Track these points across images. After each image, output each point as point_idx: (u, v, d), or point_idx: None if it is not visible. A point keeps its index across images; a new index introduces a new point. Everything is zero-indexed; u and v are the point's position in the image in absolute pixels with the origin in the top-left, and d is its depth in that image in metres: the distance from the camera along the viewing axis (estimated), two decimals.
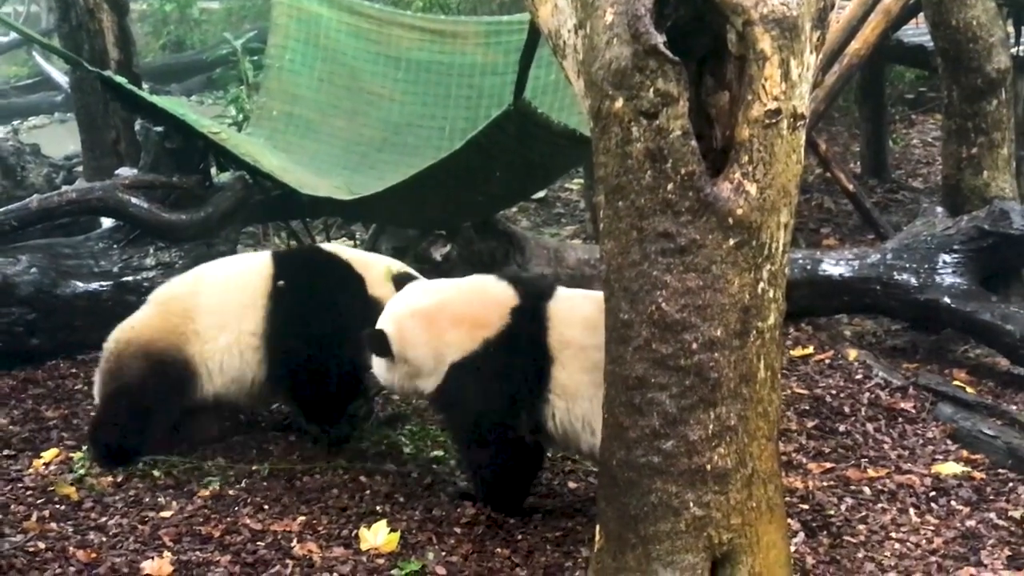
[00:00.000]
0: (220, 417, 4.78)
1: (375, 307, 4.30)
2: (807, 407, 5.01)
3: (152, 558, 3.79)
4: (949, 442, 4.74)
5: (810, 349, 5.59)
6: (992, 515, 4.15)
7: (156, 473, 4.42)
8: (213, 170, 6.09)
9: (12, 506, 4.18)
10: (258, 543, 3.92)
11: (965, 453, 4.63)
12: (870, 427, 4.86)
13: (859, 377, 5.30)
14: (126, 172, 6.06)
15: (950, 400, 5.02)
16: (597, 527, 3.22)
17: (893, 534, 4.02)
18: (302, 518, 4.09)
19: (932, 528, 4.07)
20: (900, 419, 4.93)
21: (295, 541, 3.92)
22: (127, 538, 3.96)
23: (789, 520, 3.74)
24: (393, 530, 3.95)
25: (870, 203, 7.31)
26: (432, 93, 6.83)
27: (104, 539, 3.96)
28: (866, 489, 4.33)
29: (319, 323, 4.56)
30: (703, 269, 2.94)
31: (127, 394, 4.46)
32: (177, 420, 4.56)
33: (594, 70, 2.97)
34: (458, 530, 4.02)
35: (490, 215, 6.13)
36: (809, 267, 5.78)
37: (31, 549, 3.85)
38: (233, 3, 15.09)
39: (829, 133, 9.07)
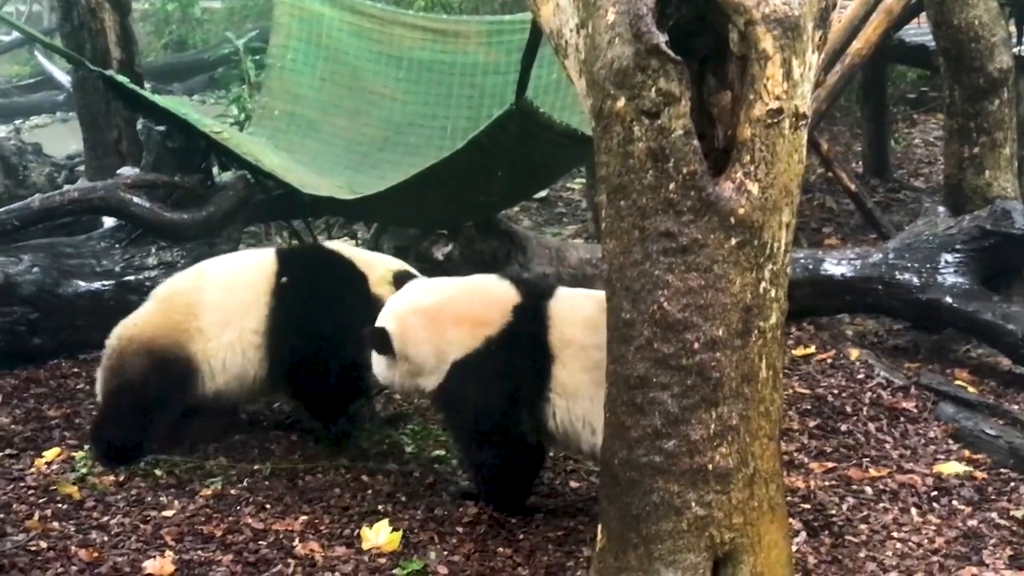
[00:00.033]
0: (222, 416, 4.78)
1: (377, 306, 4.30)
2: (809, 406, 5.00)
3: (154, 557, 3.80)
4: (951, 442, 4.73)
5: (812, 349, 5.58)
6: (994, 515, 4.14)
7: (158, 472, 4.42)
8: (215, 169, 6.09)
9: (14, 505, 4.18)
10: (260, 542, 3.92)
11: (967, 453, 4.63)
12: (872, 427, 4.85)
13: (861, 377, 5.30)
14: (128, 171, 6.07)
15: (952, 400, 5.02)
16: (599, 526, 3.22)
17: (895, 534, 4.02)
18: (304, 517, 4.09)
19: (934, 528, 4.07)
20: (902, 419, 4.93)
21: (297, 540, 3.93)
22: (129, 537, 3.96)
23: (791, 520, 3.74)
24: (395, 529, 3.95)
25: (872, 203, 7.30)
26: (434, 92, 6.83)
27: (106, 538, 3.96)
28: (868, 489, 4.33)
29: (322, 321, 4.56)
30: (705, 269, 2.94)
31: (129, 391, 4.47)
32: (179, 418, 4.56)
33: (596, 69, 2.97)
34: (460, 529, 4.02)
35: (492, 215, 6.12)
36: (811, 267, 5.78)
37: (33, 548, 3.85)
38: (235, 2, 15.10)
39: (831, 133, 9.06)
